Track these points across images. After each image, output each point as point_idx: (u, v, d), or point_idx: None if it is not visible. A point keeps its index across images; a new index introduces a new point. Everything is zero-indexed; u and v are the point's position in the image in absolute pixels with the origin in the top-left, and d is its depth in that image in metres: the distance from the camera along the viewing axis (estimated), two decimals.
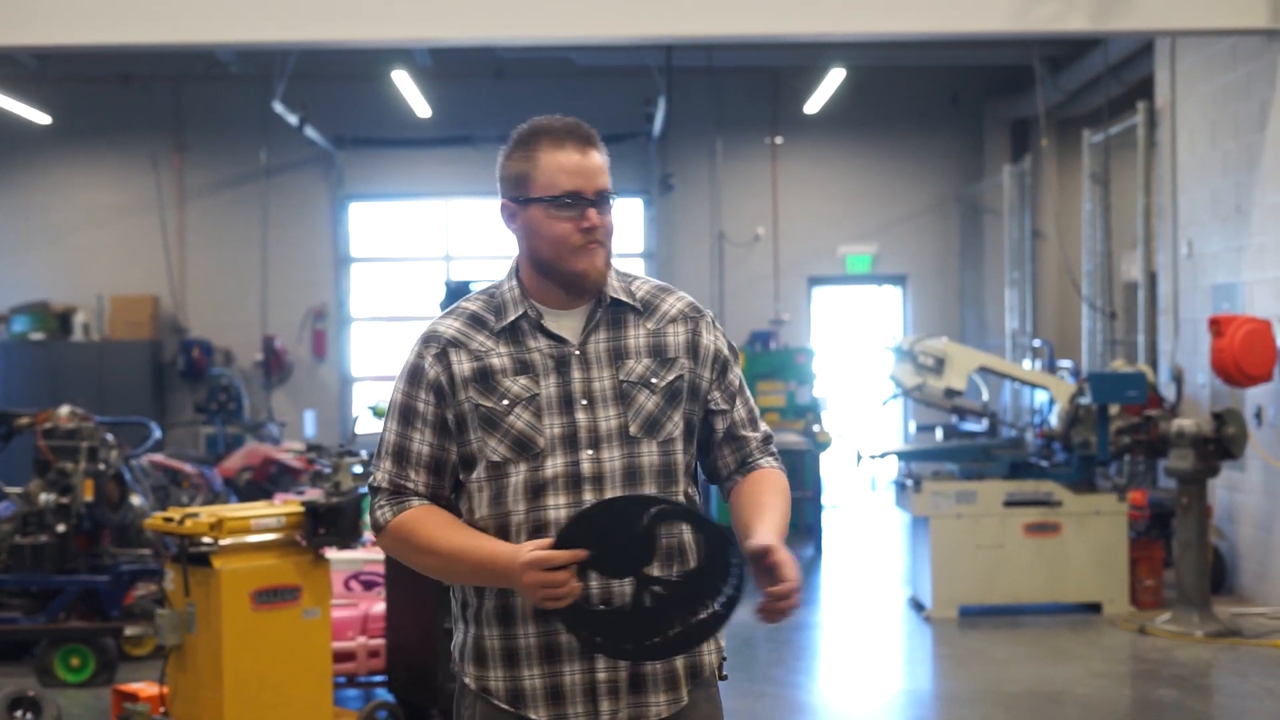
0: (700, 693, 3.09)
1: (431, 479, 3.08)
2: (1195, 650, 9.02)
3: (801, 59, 16.11)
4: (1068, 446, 10.50)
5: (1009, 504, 10.09)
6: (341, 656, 7.53)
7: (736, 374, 3.20)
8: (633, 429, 3.02)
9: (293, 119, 15.78)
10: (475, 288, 9.39)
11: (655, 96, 15.72)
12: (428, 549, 3.02)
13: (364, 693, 7.96)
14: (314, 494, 7.34)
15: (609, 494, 2.98)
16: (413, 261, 18.29)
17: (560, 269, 3.03)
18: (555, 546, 2.81)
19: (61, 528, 8.80)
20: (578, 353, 3.04)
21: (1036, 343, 15.15)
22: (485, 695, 3.06)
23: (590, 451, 3.00)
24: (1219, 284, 10.80)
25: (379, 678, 7.74)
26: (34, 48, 11.45)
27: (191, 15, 9.51)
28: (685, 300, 3.18)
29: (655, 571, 2.91)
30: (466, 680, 3.11)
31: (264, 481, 13.53)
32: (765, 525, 3.00)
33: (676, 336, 3.11)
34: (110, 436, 9.26)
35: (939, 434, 12.95)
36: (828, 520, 14.29)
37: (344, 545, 6.89)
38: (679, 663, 3.04)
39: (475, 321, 3.10)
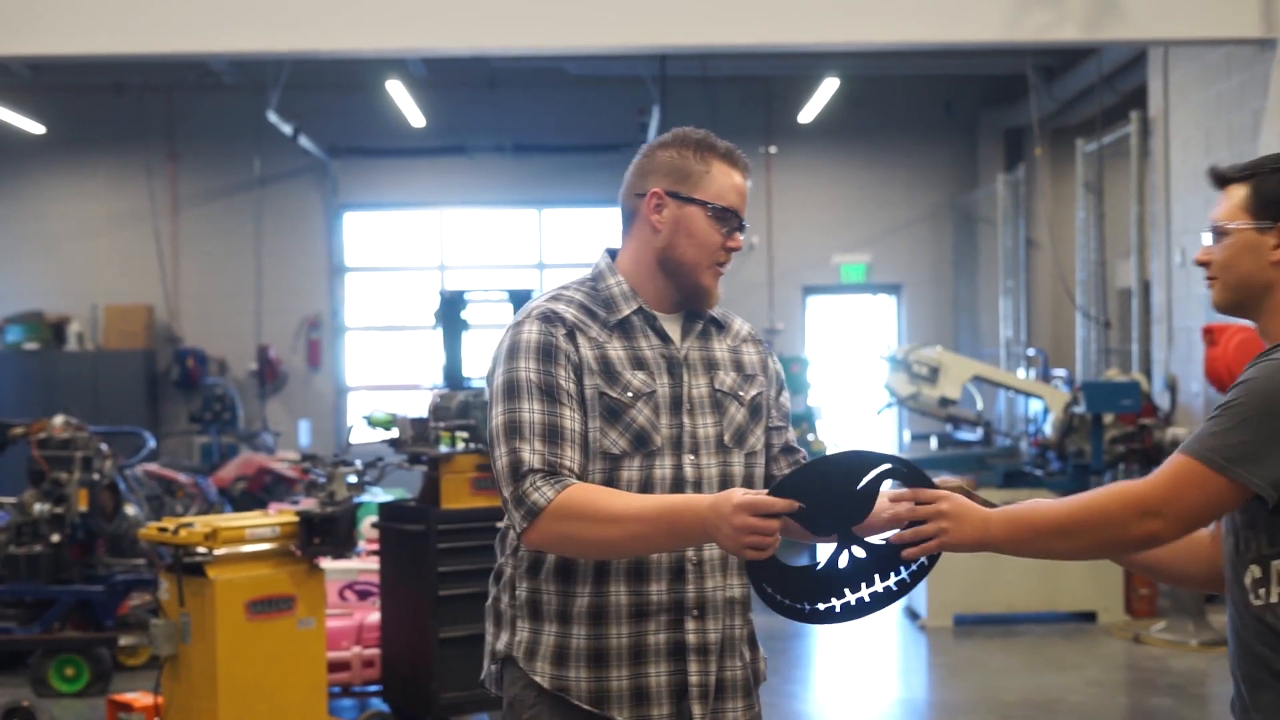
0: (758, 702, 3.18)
1: (582, 458, 2.95)
2: (1190, 659, 9.02)
3: (795, 68, 16.12)
4: (1062, 455, 10.50)
5: None
6: (336, 666, 7.51)
7: (787, 397, 3.31)
8: (726, 438, 3.07)
9: (287, 128, 15.78)
10: (470, 297, 9.39)
11: (649, 106, 15.73)
12: (608, 518, 2.83)
13: (359, 703, 7.95)
14: (309, 504, 7.34)
15: None
16: (407, 271, 18.28)
17: (692, 276, 3.07)
18: (771, 495, 2.75)
19: (56, 538, 8.78)
20: (681, 356, 3.08)
21: (1031, 351, 15.16)
22: (562, 694, 2.99)
23: (692, 456, 3.03)
24: None
25: (374, 688, 7.73)
26: (28, 57, 11.46)
27: (185, 25, 9.51)
28: (748, 324, 3.29)
29: (735, 589, 3.01)
30: (538, 679, 2.99)
31: (258, 491, 13.52)
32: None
33: (751, 356, 3.19)
34: (105, 446, 9.25)
35: (934, 443, 12.96)
36: None
37: (339, 555, 6.88)
38: (753, 669, 3.13)
39: (586, 311, 3.07)
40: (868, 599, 2.90)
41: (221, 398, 16.93)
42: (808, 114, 17.18)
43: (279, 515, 6.89)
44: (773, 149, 17.81)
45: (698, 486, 3.00)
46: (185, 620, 6.38)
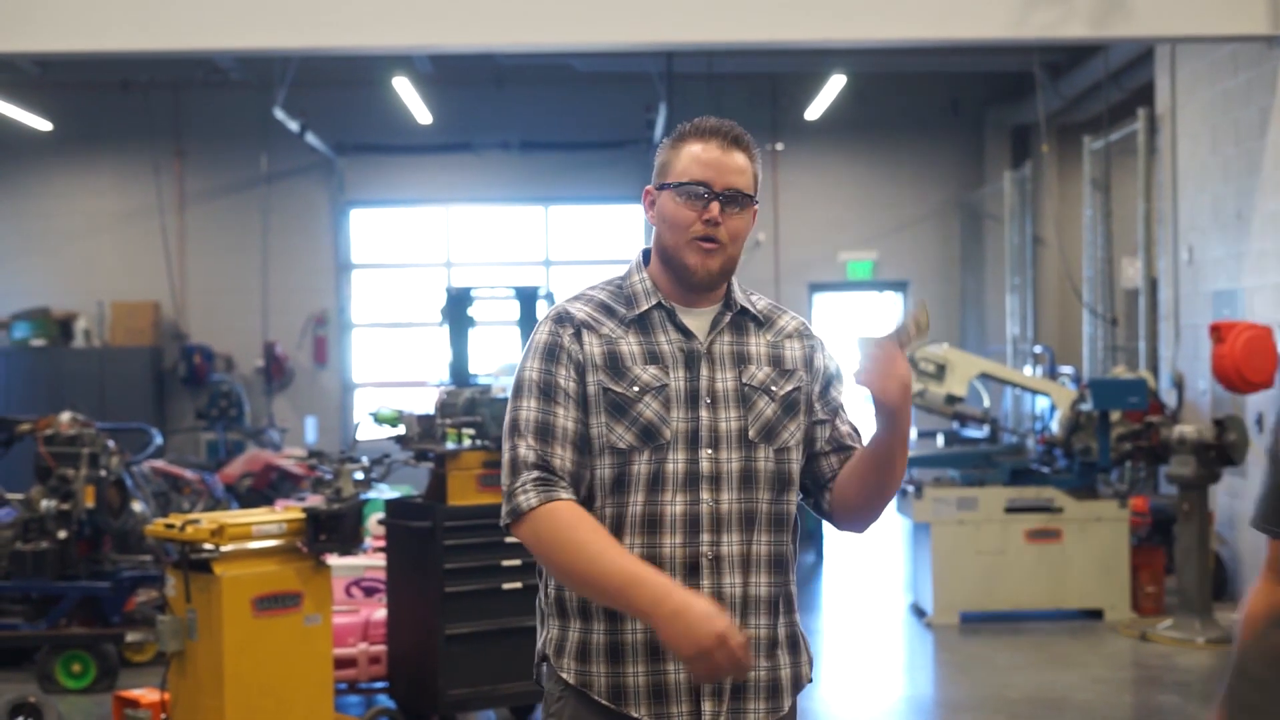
0: (796, 706, 3.15)
1: (577, 456, 2.99)
2: (1197, 657, 9.01)
3: (802, 65, 16.11)
4: (1069, 453, 10.50)
5: (1010, 510, 10.09)
6: (343, 663, 7.53)
7: (840, 391, 3.22)
8: (751, 433, 3.03)
9: (293, 125, 15.78)
10: (477, 294, 9.39)
11: (656, 103, 15.72)
12: (575, 552, 2.88)
13: (365, 699, 7.96)
14: (315, 500, 7.35)
15: (724, 495, 3.00)
16: (413, 268, 18.28)
17: (675, 259, 3.06)
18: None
19: (63, 534, 8.79)
20: (705, 350, 3.06)
21: (1037, 349, 15.13)
22: (585, 690, 3.01)
23: (710, 450, 3.00)
24: (1220, 290, 10.80)
25: (380, 684, 7.74)
26: (35, 54, 11.46)
27: (192, 22, 9.51)
28: (800, 320, 3.23)
29: (761, 587, 3.01)
30: (565, 675, 3.03)
31: (265, 488, 13.53)
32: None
33: (794, 351, 3.15)
34: (111, 443, 9.26)
35: (940, 440, 12.95)
36: (829, 526, 14.26)
37: (345, 551, 6.89)
38: (784, 672, 3.08)
39: (604, 309, 3.09)
40: None
41: (228, 394, 16.95)
42: (814, 111, 17.17)
43: (285, 512, 6.90)
44: (779, 146, 17.80)
45: (714, 480, 2.99)
46: (192, 616, 6.39)
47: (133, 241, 17.72)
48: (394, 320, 18.25)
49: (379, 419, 7.76)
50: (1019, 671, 8.76)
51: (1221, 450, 9.41)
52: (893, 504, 11.64)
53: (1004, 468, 10.54)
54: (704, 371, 3.04)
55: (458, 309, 9.17)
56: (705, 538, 2.98)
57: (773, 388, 3.08)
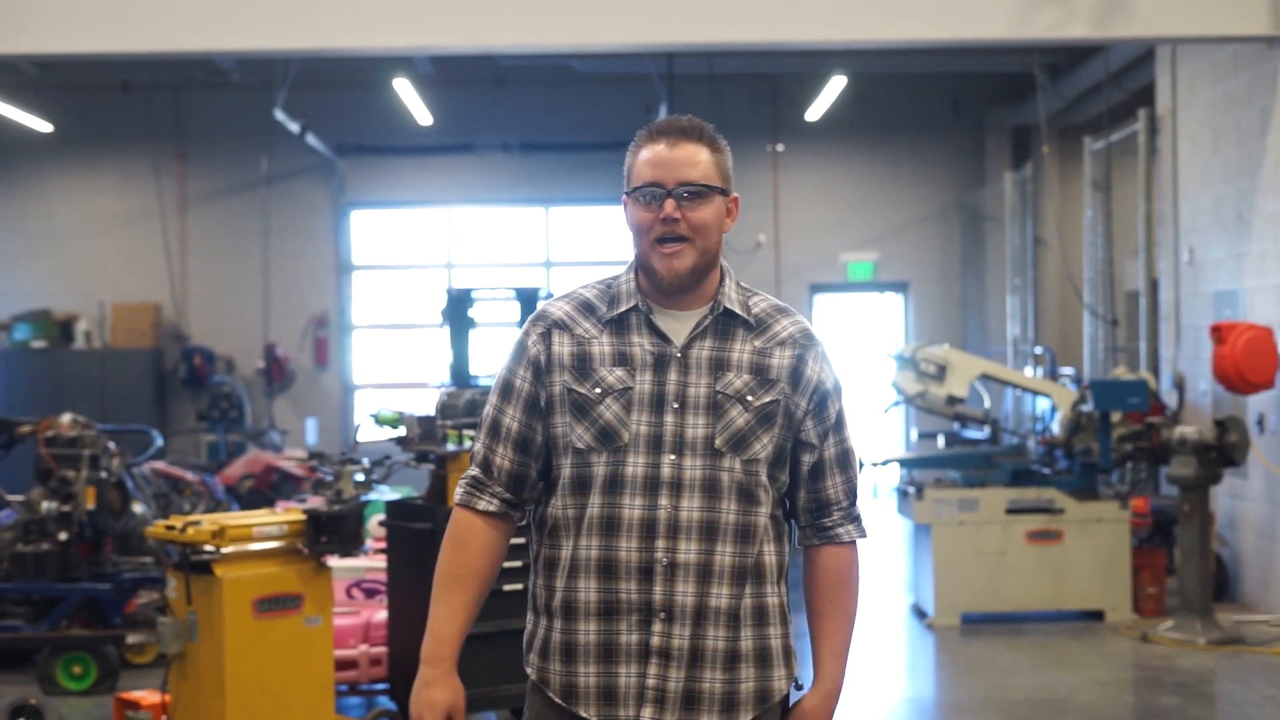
0: (767, 718, 3.08)
1: (518, 455, 3.10)
2: (1198, 658, 9.01)
3: (802, 66, 16.11)
4: (1070, 454, 10.50)
5: (1011, 511, 10.08)
6: (343, 664, 7.52)
7: (835, 411, 3.13)
8: (718, 442, 2.99)
9: (294, 127, 15.79)
10: (478, 295, 9.39)
11: (656, 104, 15.73)
12: (440, 561, 3.16)
13: (366, 701, 7.95)
14: (316, 502, 7.34)
15: (685, 502, 2.97)
16: (414, 269, 18.29)
17: (645, 264, 3.06)
18: None
19: (63, 536, 8.79)
20: (679, 355, 3.03)
21: (1038, 350, 15.13)
22: (543, 687, 3.06)
23: (673, 456, 2.98)
24: (1220, 291, 10.79)
25: (381, 686, 7.74)
26: (35, 56, 11.46)
27: (193, 23, 9.51)
28: (800, 326, 3.13)
29: (722, 599, 2.99)
30: (529, 670, 3.11)
31: (266, 489, 13.54)
32: (830, 660, 3.15)
33: (782, 360, 3.07)
34: (112, 444, 9.26)
35: (941, 441, 12.93)
36: None
37: (346, 553, 6.88)
38: (745, 686, 3.03)
39: (586, 308, 3.11)
40: None
41: (229, 396, 16.96)
42: (815, 112, 17.17)
43: (286, 513, 6.90)
44: (780, 147, 17.81)
45: (675, 487, 2.97)
46: (193, 618, 6.39)
47: (133, 243, 17.72)
48: (395, 322, 18.25)
49: (380, 420, 7.76)
50: (1020, 673, 8.75)
51: (1222, 451, 9.41)
52: (894, 505, 11.57)
53: (1005, 469, 10.54)
54: (674, 376, 3.01)
55: (458, 310, 9.17)
56: (661, 544, 2.96)
57: (749, 397, 3.02)
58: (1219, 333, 9.72)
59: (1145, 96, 12.88)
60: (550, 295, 9.90)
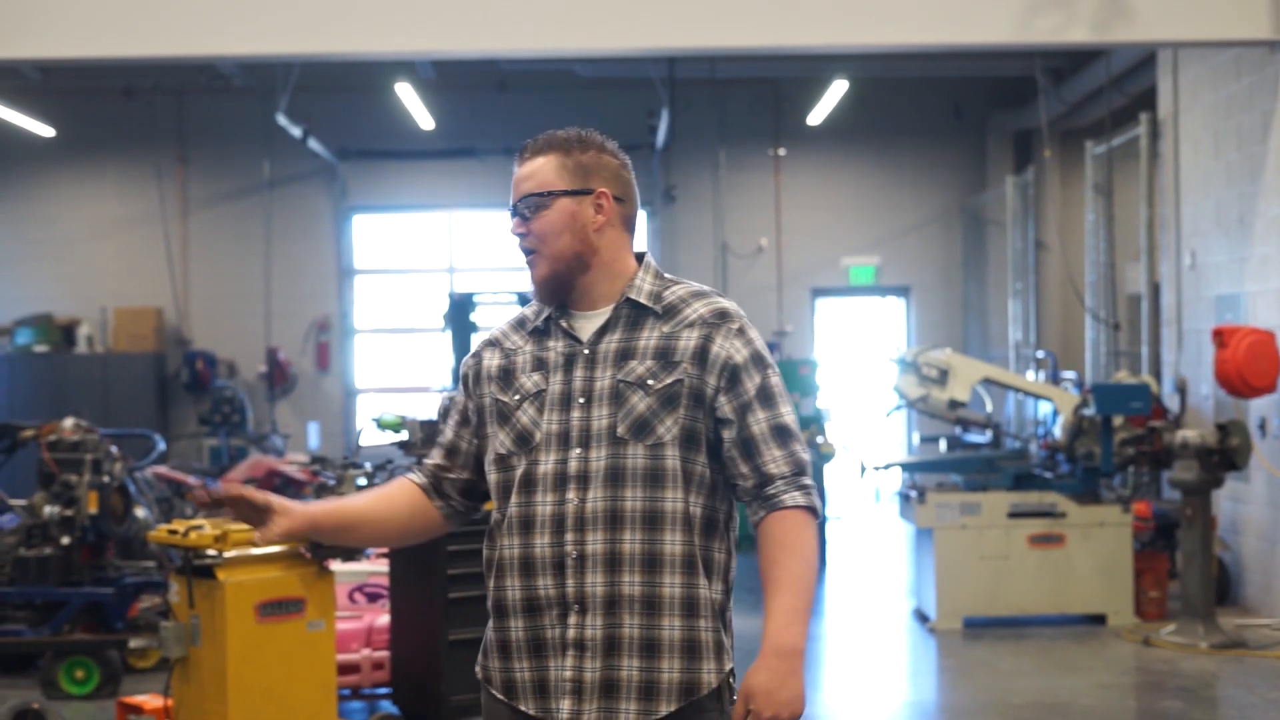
0: (694, 712, 3.03)
1: (445, 459, 3.28)
2: (1200, 662, 9.01)
3: (804, 71, 16.12)
4: (1072, 458, 10.49)
5: (1013, 515, 10.08)
6: (346, 669, 7.52)
7: (754, 385, 3.08)
8: (620, 429, 3.02)
9: (296, 131, 15.80)
10: (479, 300, 9.41)
11: (658, 108, 15.74)
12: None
13: (368, 705, 7.95)
14: None
15: (590, 493, 3.01)
16: (416, 274, 18.30)
17: None
18: None
19: (66, 540, 8.79)
20: (586, 352, 3.09)
21: (1040, 354, 15.14)
22: (487, 685, 3.14)
23: (579, 450, 3.03)
24: (1222, 295, 10.79)
25: (383, 690, 7.73)
26: (37, 60, 11.48)
27: (195, 28, 9.52)
28: (714, 307, 3.13)
29: (635, 586, 2.99)
30: (477, 670, 3.18)
31: None
32: (774, 620, 3.00)
33: (688, 341, 3.07)
34: (114, 449, 9.26)
35: (943, 445, 12.93)
36: (832, 532, 14.28)
37: (349, 557, 6.89)
38: (665, 675, 3.00)
39: (519, 322, 3.24)
40: None
41: (231, 400, 16.96)
42: (816, 116, 17.18)
43: None
44: (781, 151, 17.82)
45: (583, 479, 3.01)
46: (195, 622, 6.38)
47: (135, 247, 17.74)
48: (397, 326, 18.27)
49: (382, 424, 7.76)
50: (1022, 677, 8.75)
51: (1224, 455, 9.41)
52: (896, 509, 11.61)
53: (1007, 473, 10.54)
54: (579, 373, 3.07)
55: (460, 314, 9.19)
56: (570, 537, 3.01)
57: (649, 381, 3.04)
58: (1221, 337, 9.72)
59: (1147, 100, 12.88)
60: None
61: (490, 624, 3.13)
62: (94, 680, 8.42)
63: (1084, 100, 15.14)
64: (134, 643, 8.64)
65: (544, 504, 3.03)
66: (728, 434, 3.07)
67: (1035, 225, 16.27)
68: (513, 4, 9.52)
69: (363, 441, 8.91)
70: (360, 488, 7.07)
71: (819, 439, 13.78)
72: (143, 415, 16.28)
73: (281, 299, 17.77)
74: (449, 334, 9.04)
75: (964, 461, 11.30)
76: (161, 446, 11.42)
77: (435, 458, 3.29)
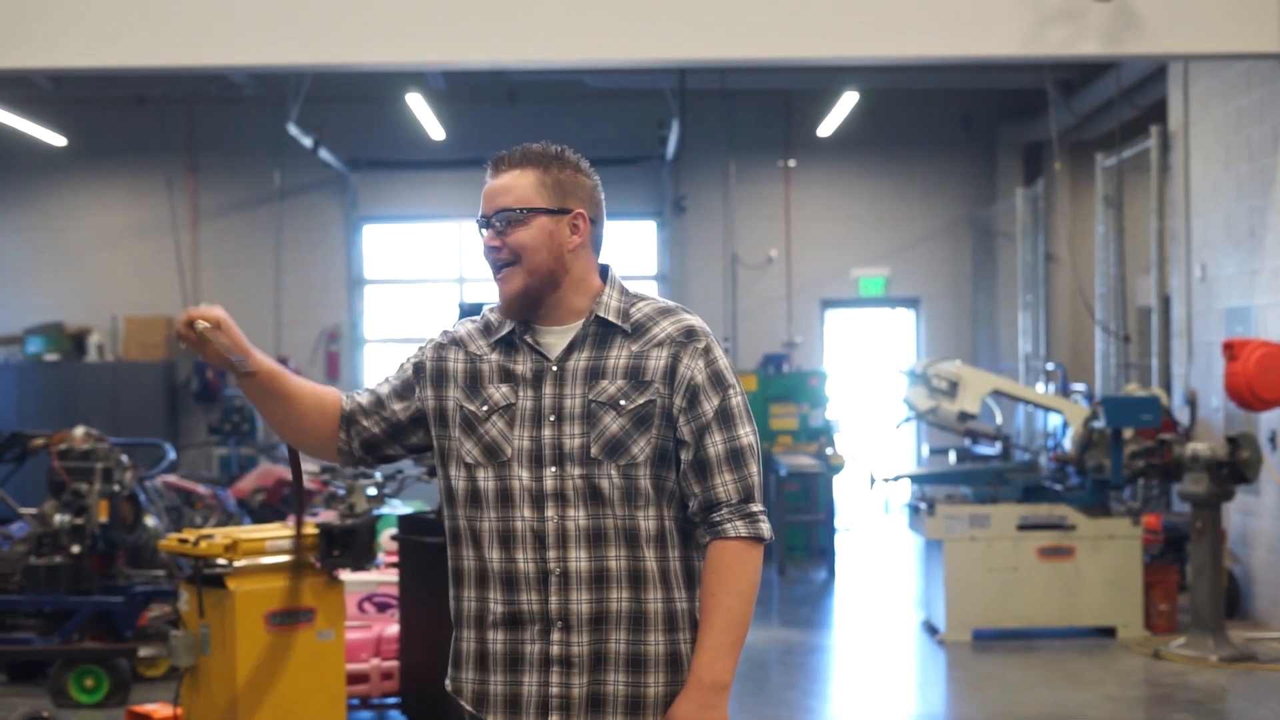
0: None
1: (369, 407, 3.24)
2: (1209, 675, 8.99)
3: (814, 82, 16.13)
4: (1081, 470, 10.49)
5: (1022, 527, 10.07)
6: (355, 678, 7.53)
7: (713, 407, 3.07)
8: (594, 450, 3.03)
9: (307, 141, 15.83)
10: (488, 309, 9.43)
11: (668, 119, 15.75)
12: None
13: (377, 714, 7.96)
14: (328, 516, 7.35)
15: (571, 511, 3.02)
16: (426, 283, 18.32)
17: None
18: None
19: (76, 549, 8.81)
20: (555, 369, 3.08)
21: (1050, 366, 15.13)
22: (457, 697, 3.13)
23: (554, 468, 3.04)
24: (1233, 307, 10.79)
25: (392, 699, 7.74)
26: (49, 70, 11.50)
27: (206, 38, 9.54)
28: (682, 325, 3.12)
29: (622, 603, 3.01)
30: (447, 683, 3.17)
31: (277, 503, 13.55)
32: (702, 654, 3.01)
33: (658, 361, 3.07)
34: (125, 457, 9.28)
35: (952, 457, 12.95)
36: (841, 543, 14.27)
37: (358, 567, 6.89)
38: (652, 690, 3.04)
39: (485, 328, 3.21)
40: None
41: (240, 409, 16.98)
42: (826, 128, 17.19)
43: None
44: (791, 162, 17.83)
45: (560, 498, 3.02)
46: (205, 631, 6.40)
47: (146, 256, 17.78)
48: (406, 336, 18.27)
49: None
50: (1031, 689, 8.74)
51: (1234, 468, 9.40)
52: (905, 521, 11.63)
53: (1016, 485, 10.53)
54: (549, 390, 3.07)
55: None
56: (552, 554, 3.02)
57: (622, 401, 3.04)
58: (1231, 349, 9.71)
59: (1157, 113, 12.88)
60: None
61: (464, 635, 3.12)
62: (103, 689, 8.42)
63: (1094, 112, 15.14)
64: (144, 651, 8.65)
65: (523, 519, 3.03)
66: (684, 455, 3.08)
67: (1045, 237, 16.26)
68: (523, 15, 9.54)
69: None
70: (370, 498, 7.07)
71: (828, 450, 13.78)
72: (153, 424, 16.31)
73: (291, 308, 17.80)
74: None
75: (973, 473, 11.30)
76: (171, 455, 11.45)
77: (362, 399, 3.25)
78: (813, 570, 13.53)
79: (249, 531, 6.79)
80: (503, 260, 3.10)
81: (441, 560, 6.92)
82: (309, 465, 14.92)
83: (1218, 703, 8.47)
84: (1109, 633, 10.10)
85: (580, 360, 3.08)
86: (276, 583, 6.54)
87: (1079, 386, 14.30)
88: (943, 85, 16.48)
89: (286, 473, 14.07)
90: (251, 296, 17.78)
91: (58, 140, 17.02)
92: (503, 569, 3.04)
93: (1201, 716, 8.11)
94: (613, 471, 3.02)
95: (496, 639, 3.05)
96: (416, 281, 18.36)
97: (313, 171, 17.51)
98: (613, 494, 3.02)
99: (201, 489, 12.63)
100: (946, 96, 17.55)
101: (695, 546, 3.12)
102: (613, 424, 3.03)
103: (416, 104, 15.68)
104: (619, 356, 3.08)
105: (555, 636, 3.01)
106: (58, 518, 8.85)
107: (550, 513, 3.02)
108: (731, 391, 3.10)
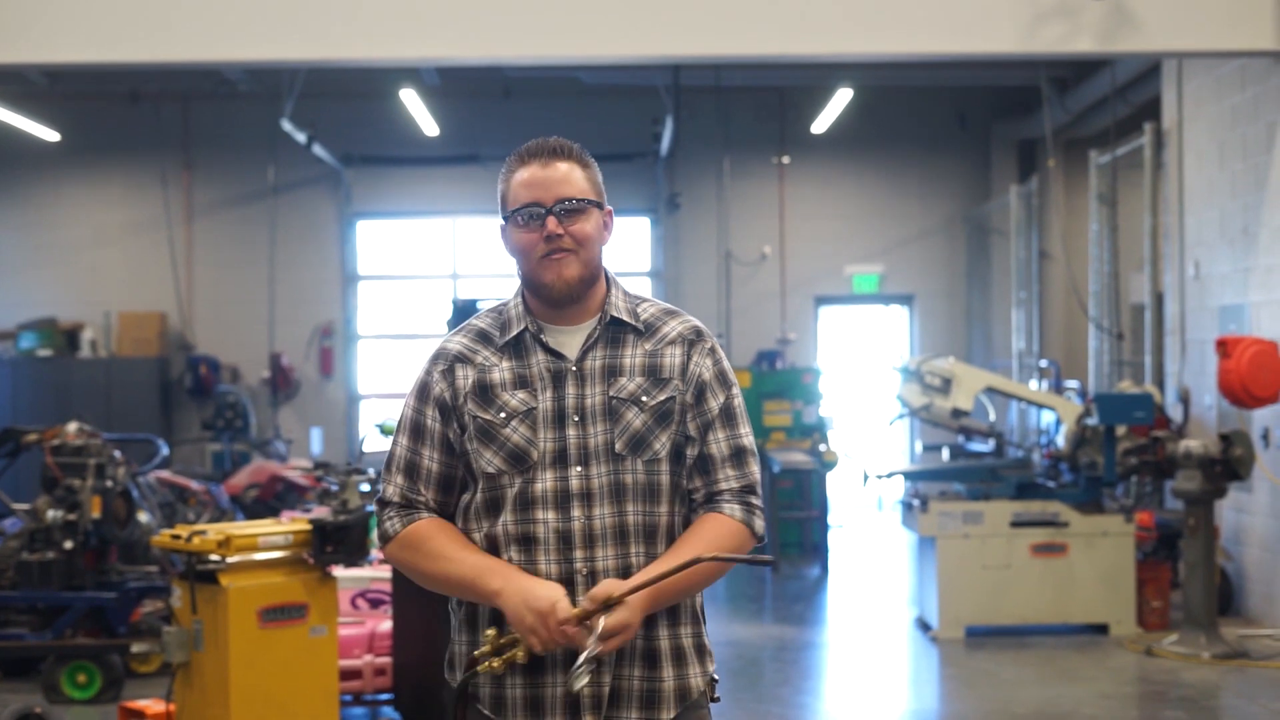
0: (689, 715, 3.11)
1: (440, 495, 3.14)
2: (1202, 672, 9.00)
3: (809, 79, 16.14)
4: (1074, 467, 10.49)
5: (1016, 524, 10.08)
6: (348, 674, 7.52)
7: (718, 404, 3.14)
8: (618, 446, 3.04)
9: (301, 137, 15.82)
10: (482, 305, 9.41)
11: (663, 116, 15.75)
12: (438, 556, 3.07)
13: (370, 711, 7.96)
14: (321, 512, 7.34)
15: (597, 510, 3.02)
16: (420, 279, 18.32)
17: (532, 281, 3.11)
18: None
19: (69, 544, 8.80)
20: (574, 368, 3.08)
21: (1043, 363, 15.14)
22: (473, 700, 3.11)
23: (579, 468, 3.04)
24: (1226, 305, 10.80)
25: (385, 696, 7.73)
26: (43, 65, 11.48)
27: (200, 34, 9.53)
28: (689, 324, 3.19)
29: None
30: (454, 686, 3.15)
31: (271, 499, 13.54)
32: (649, 569, 2.99)
33: (673, 358, 3.12)
34: (118, 453, 9.27)
35: (945, 454, 12.95)
36: (834, 540, 14.28)
37: (351, 563, 6.89)
38: (666, 684, 3.06)
39: (482, 337, 3.17)
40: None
41: (234, 405, 16.97)
42: (821, 124, 17.20)
43: (292, 523, 6.91)
44: (786, 159, 17.83)
45: (586, 497, 3.02)
46: (198, 628, 6.39)
47: (140, 252, 17.76)
48: (400, 332, 18.28)
49: (385, 430, 7.77)
50: (1024, 686, 8.75)
51: (1227, 465, 9.41)
52: (898, 517, 11.65)
53: (1009, 482, 10.54)
54: (571, 390, 3.07)
55: (464, 321, 9.19)
56: (579, 554, 3.02)
57: (643, 398, 3.07)
58: (1224, 347, 9.72)
59: (1151, 110, 12.89)
60: None
61: (477, 640, 3.08)
62: (96, 685, 8.42)
63: (1088, 110, 15.15)
64: (136, 647, 8.64)
65: (546, 522, 3.02)
66: (690, 450, 3.12)
67: (1039, 234, 16.27)
68: (518, 11, 9.53)
69: (366, 447, 8.93)
70: (363, 494, 7.07)
71: (821, 447, 13.79)
72: (146, 420, 16.29)
73: (285, 304, 17.79)
74: None
75: (967, 470, 11.30)
76: (165, 451, 11.43)
77: (427, 495, 3.13)
78: (806, 567, 13.54)
79: (242, 527, 6.78)
80: (566, 246, 3.06)
81: None
82: (301, 460, 14.92)
83: (1210, 700, 8.48)
84: (1102, 629, 10.11)
85: (597, 359, 3.10)
86: (270, 579, 6.54)
87: (1072, 383, 14.31)
88: (937, 82, 16.49)
89: (280, 469, 14.07)
90: (245, 292, 17.78)
91: (52, 136, 17.00)
92: (524, 570, 3.02)
93: (1194, 713, 8.12)
94: (638, 467, 3.05)
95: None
96: (410, 277, 18.36)
97: (307, 167, 17.50)
98: (635, 490, 3.04)
99: (195, 485, 12.62)
100: (941, 94, 17.56)
101: None
102: (635, 420, 3.06)
103: (410, 100, 15.68)
104: (634, 355, 3.11)
105: None
106: (50, 513, 8.84)
107: (576, 513, 3.02)
108: (734, 391, 3.18)
